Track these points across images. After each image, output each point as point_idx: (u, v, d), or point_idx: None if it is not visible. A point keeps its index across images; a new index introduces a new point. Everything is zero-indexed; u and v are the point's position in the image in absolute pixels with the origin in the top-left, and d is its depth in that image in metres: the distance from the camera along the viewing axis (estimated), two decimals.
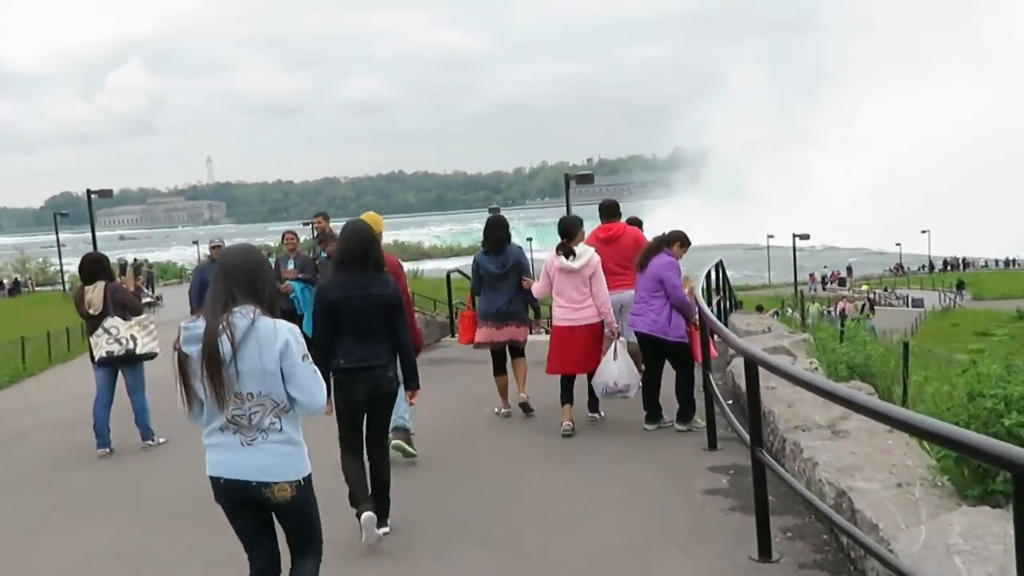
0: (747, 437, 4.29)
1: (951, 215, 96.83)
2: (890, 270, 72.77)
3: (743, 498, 4.73)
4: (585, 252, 6.34)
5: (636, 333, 6.41)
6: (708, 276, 7.88)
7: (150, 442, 7.07)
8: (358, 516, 4.35)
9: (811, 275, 57.54)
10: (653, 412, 6.45)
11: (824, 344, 8.27)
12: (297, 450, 3.00)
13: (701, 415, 6.22)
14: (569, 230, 6.48)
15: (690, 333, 6.28)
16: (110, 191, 26.68)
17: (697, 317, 6.10)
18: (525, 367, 7.13)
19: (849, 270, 70.34)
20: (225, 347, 2.83)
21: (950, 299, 48.32)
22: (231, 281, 2.93)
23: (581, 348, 6.37)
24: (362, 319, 4.42)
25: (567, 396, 6.55)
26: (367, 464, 4.57)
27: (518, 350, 7.09)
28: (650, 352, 6.43)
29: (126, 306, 6.91)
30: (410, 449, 5.83)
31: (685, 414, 6.34)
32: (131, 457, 6.88)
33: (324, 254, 9.10)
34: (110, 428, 6.97)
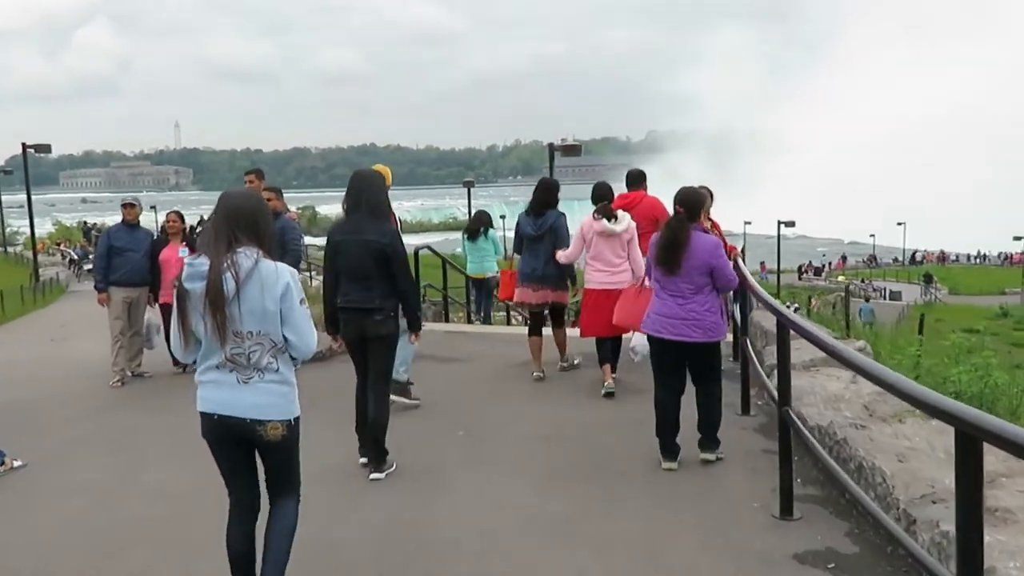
0: (918, 552, 2.53)
1: (921, 208, 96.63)
2: (863, 261, 72.01)
3: None
4: (624, 216, 6.32)
5: (667, 342, 4.72)
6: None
7: (0, 467, 5.18)
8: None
9: (761, 264, 56.31)
10: (673, 444, 4.79)
11: (913, 361, 6.51)
12: (290, 391, 3.04)
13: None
14: (607, 194, 6.48)
15: None
16: (48, 146, 24.20)
17: None
18: (564, 335, 7.09)
19: (844, 259, 69.75)
20: (229, 284, 2.87)
21: (931, 293, 47.33)
22: (233, 223, 2.94)
23: (616, 311, 6.07)
24: (356, 263, 4.61)
25: (605, 356, 6.50)
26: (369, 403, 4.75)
27: (558, 316, 7.04)
28: (676, 359, 4.77)
29: None
30: (409, 401, 6.00)
31: (714, 439, 4.86)
32: None
33: None
34: None
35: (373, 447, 4.71)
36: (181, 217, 8.04)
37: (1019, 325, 35.42)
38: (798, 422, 3.94)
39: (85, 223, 44.59)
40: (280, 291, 2.92)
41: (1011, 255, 68.15)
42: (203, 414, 3.06)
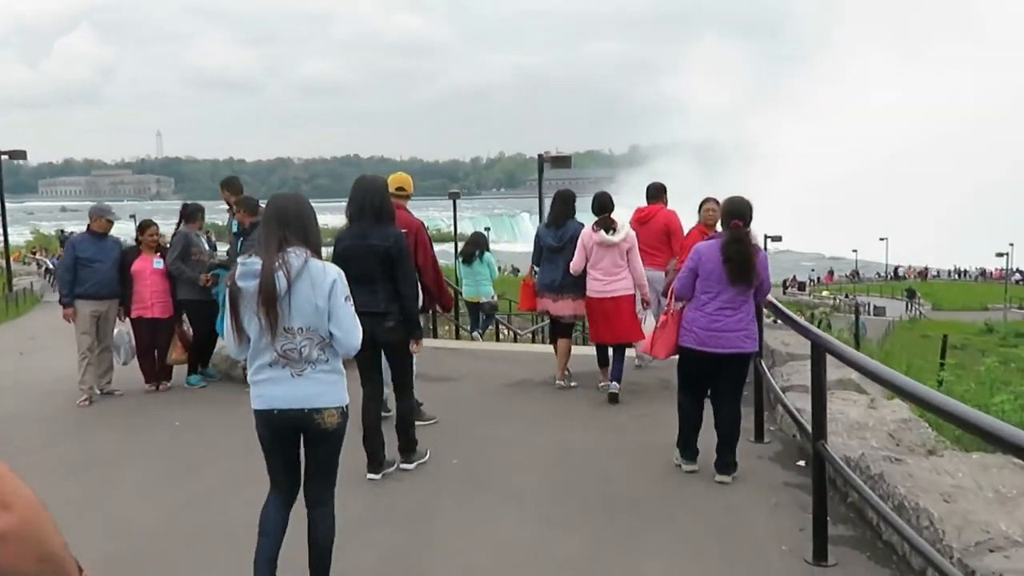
0: None
1: (902, 224, 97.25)
2: (846, 276, 72.22)
3: None
4: (623, 227, 6.48)
5: (708, 355, 4.63)
6: None
7: None
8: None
9: None
10: (695, 446, 4.82)
11: (943, 387, 6.17)
12: (340, 379, 3.20)
13: None
14: (608, 205, 6.56)
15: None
16: (23, 152, 23.57)
17: None
18: (568, 348, 7.08)
19: (831, 273, 69.99)
20: (281, 282, 3.02)
21: (917, 309, 47.36)
22: (284, 225, 3.10)
23: (617, 318, 6.43)
24: (361, 267, 4.51)
25: (604, 360, 6.87)
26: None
27: (565, 328, 7.06)
28: (711, 371, 4.71)
29: None
30: (425, 422, 5.76)
31: (733, 462, 4.72)
32: None
33: (236, 228, 7.23)
34: None
35: (402, 441, 4.85)
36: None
37: (1004, 341, 35.46)
38: (838, 460, 3.56)
39: (63, 231, 43.73)
40: (328, 288, 3.05)
41: (988, 271, 68.61)
42: (260, 411, 3.16)
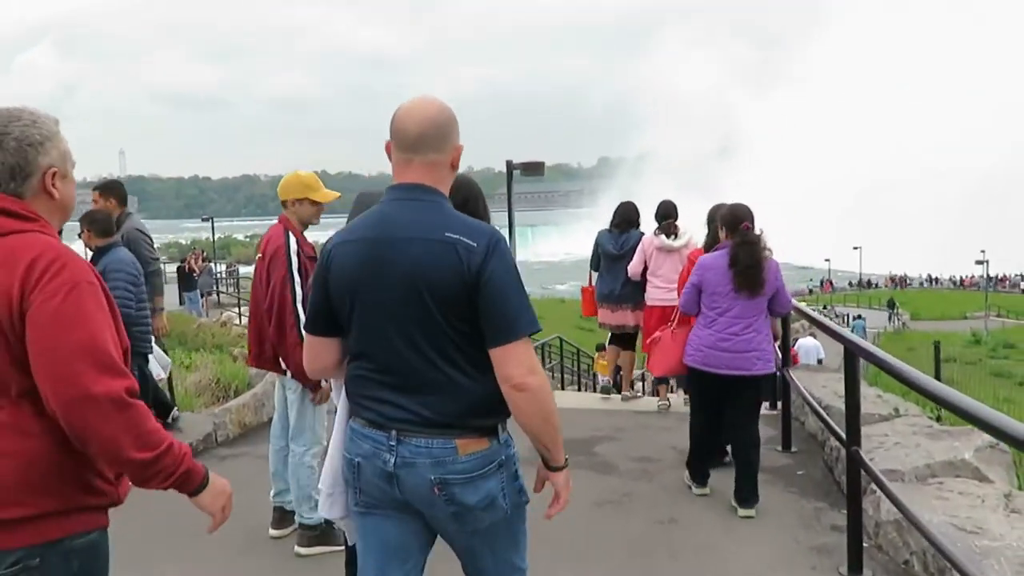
0: None
1: (871, 232, 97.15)
2: (818, 286, 71.35)
3: None
4: (685, 233, 6.35)
5: (718, 376, 4.32)
6: None
7: None
8: None
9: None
10: (706, 470, 4.62)
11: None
12: None
13: None
14: (671, 212, 6.46)
15: None
16: None
17: None
18: (631, 361, 7.12)
19: (823, 284, 69.18)
20: None
21: (898, 319, 46.41)
22: None
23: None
24: None
25: (663, 378, 6.62)
26: None
27: (629, 340, 6.95)
28: (721, 391, 4.40)
29: None
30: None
31: (755, 491, 4.30)
32: None
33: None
34: None
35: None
36: None
37: (994, 352, 34.20)
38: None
39: None
40: None
41: (961, 278, 68.14)
42: None
